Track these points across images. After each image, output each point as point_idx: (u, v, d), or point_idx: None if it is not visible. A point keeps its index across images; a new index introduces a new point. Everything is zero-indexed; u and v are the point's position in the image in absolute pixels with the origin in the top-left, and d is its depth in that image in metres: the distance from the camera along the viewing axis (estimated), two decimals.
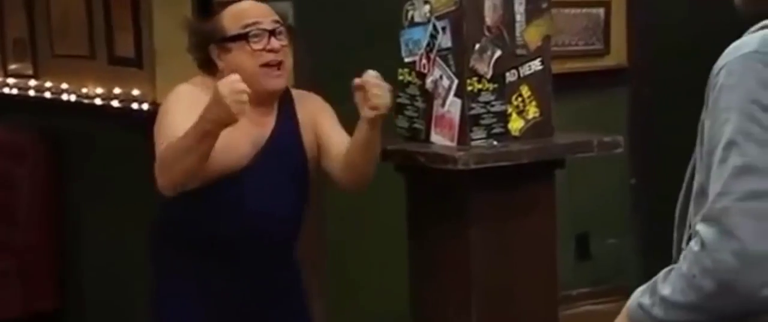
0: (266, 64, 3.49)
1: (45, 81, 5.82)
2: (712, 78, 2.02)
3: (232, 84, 3.21)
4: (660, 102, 6.11)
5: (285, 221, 3.63)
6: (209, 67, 3.58)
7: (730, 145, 1.93)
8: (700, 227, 1.94)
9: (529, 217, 3.70)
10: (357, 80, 3.40)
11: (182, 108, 3.44)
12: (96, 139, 5.56)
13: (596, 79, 6.10)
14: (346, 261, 5.41)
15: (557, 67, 5.86)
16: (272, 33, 3.51)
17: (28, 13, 5.90)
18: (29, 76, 5.95)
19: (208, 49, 3.56)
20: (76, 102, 5.54)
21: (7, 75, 6.15)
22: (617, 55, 6.19)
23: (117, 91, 5.27)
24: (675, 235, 2.15)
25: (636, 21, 6.21)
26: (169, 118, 3.46)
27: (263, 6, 3.62)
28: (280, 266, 3.70)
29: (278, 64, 3.51)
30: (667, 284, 1.99)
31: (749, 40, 2.02)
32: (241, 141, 3.49)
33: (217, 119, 3.24)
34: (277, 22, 3.55)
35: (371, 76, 3.41)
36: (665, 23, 6.16)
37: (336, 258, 5.39)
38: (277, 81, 3.53)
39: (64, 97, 5.62)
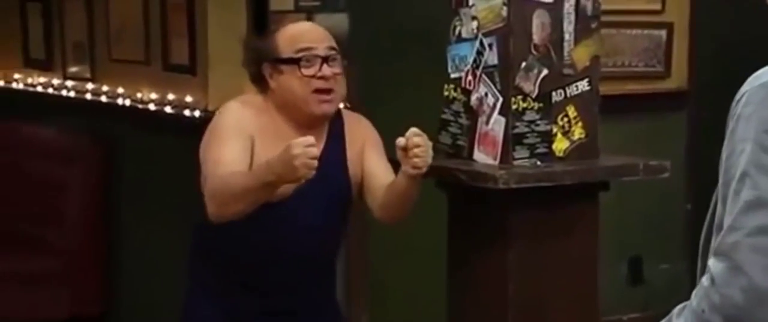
0: (316, 91, 3.46)
1: (102, 85, 5.85)
2: (732, 107, 1.96)
3: (304, 149, 3.15)
4: (719, 127, 5.99)
5: (325, 243, 3.63)
6: (261, 83, 3.56)
7: (744, 177, 1.87)
8: (711, 262, 1.88)
9: (571, 239, 3.63)
10: (400, 140, 3.35)
11: (232, 134, 3.43)
12: (148, 145, 5.58)
13: (655, 102, 6.02)
14: (387, 277, 5.38)
15: (616, 89, 5.87)
16: (325, 60, 3.47)
17: (89, 17, 5.93)
18: (87, 80, 5.98)
19: (261, 66, 3.53)
20: (130, 107, 5.56)
21: (65, 78, 6.19)
22: (678, 78, 6.10)
23: (171, 97, 5.29)
24: (699, 265, 2.09)
25: (698, 44, 6.12)
26: (218, 144, 3.43)
27: (320, 30, 3.58)
28: (317, 288, 3.68)
29: (328, 91, 3.48)
30: (681, 319, 1.94)
31: None
32: None
33: (282, 176, 3.22)
34: (332, 49, 3.50)
35: (414, 134, 3.34)
36: (727, 47, 6.07)
37: (377, 274, 5.37)
38: (326, 107, 3.49)
39: (119, 101, 5.64)
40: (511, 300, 3.58)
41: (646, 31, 6.00)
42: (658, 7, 5.99)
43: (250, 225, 3.44)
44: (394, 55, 5.36)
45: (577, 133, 3.64)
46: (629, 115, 5.76)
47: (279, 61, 3.48)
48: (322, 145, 3.52)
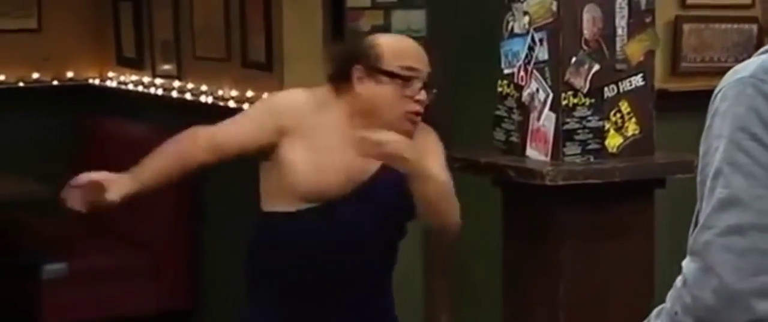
0: (409, 112, 3.40)
1: (187, 82, 5.92)
2: (711, 102, 1.89)
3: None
4: None
5: (377, 260, 3.51)
6: (340, 82, 3.46)
7: (718, 175, 1.80)
8: (685, 262, 1.82)
9: (625, 238, 3.57)
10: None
11: (258, 114, 3.47)
12: None
13: None
14: (466, 278, 5.35)
15: (705, 84, 5.72)
16: (425, 85, 3.42)
17: (175, 15, 6.01)
18: (174, 77, 6.06)
19: (352, 67, 3.44)
20: (212, 104, 5.61)
21: (155, 75, 6.28)
22: None
23: (249, 94, 5.32)
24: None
25: None
26: (244, 112, 3.50)
27: (424, 54, 3.49)
28: (369, 302, 3.55)
29: (419, 113, 3.42)
30: (658, 321, 1.88)
31: (748, 64, 1.89)
32: (344, 169, 3.39)
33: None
34: (430, 75, 3.44)
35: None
36: None
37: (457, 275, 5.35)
38: (412, 128, 3.42)
39: (202, 98, 5.70)
40: (561, 300, 3.53)
41: (736, 26, 5.85)
42: (748, 1, 5.83)
43: (298, 227, 3.40)
44: (470, 52, 5.31)
45: (631, 129, 3.57)
46: None
47: (380, 71, 3.40)
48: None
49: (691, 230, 2.00)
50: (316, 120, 3.43)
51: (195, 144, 3.49)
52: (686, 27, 5.61)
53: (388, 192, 3.42)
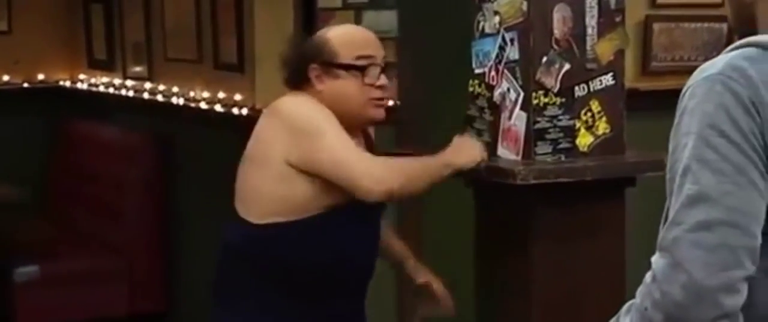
0: (374, 99, 3.43)
1: (158, 84, 5.91)
2: (680, 99, 1.91)
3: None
4: None
5: (376, 251, 3.56)
6: (299, 85, 3.44)
7: (686, 171, 1.82)
8: (654, 258, 1.84)
9: (597, 236, 3.57)
10: (421, 281, 3.64)
11: (335, 124, 3.34)
12: (201, 143, 5.62)
13: None
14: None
15: (675, 83, 5.75)
16: (383, 69, 3.45)
17: (146, 17, 6.00)
18: (145, 79, 6.05)
19: (307, 68, 3.43)
20: (184, 105, 5.61)
21: (126, 77, 6.27)
22: None
23: (221, 95, 5.32)
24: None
25: None
26: (337, 135, 3.32)
27: (376, 39, 3.52)
28: (361, 298, 3.59)
29: (383, 98, 3.46)
30: (627, 317, 1.90)
31: (716, 61, 1.91)
32: None
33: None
34: (385, 58, 3.48)
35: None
36: None
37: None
38: (382, 111, 3.47)
39: (174, 100, 5.70)
40: (535, 299, 3.53)
41: (706, 25, 5.88)
42: (718, 0, 5.87)
43: (305, 235, 3.35)
44: (443, 54, 5.32)
45: (602, 128, 3.58)
46: None
47: (337, 66, 3.41)
48: (361, 148, 3.48)
49: (661, 226, 2.02)
50: None
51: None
52: (656, 26, 5.64)
53: None
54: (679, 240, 1.80)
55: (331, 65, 3.41)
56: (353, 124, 3.44)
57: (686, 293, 1.78)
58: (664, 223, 1.96)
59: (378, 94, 3.43)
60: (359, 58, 3.41)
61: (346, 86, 3.41)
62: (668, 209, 1.90)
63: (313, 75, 3.42)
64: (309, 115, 3.33)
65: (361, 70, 3.40)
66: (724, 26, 5.91)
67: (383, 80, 3.44)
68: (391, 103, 3.55)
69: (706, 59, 6.58)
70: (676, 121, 1.91)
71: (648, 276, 1.86)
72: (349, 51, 3.42)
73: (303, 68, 3.43)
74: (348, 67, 3.40)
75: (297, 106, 3.38)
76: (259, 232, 3.37)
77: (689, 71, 6.45)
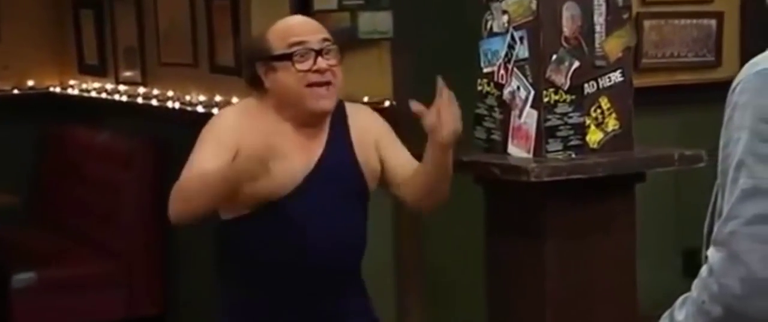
0: (312, 85, 3.34)
1: (152, 88, 5.92)
2: (729, 96, 1.94)
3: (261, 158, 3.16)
4: None
5: (346, 246, 3.44)
6: (257, 86, 3.42)
7: (740, 166, 1.85)
8: (710, 252, 1.86)
9: (607, 232, 3.61)
10: (417, 107, 3.32)
11: (212, 140, 3.35)
12: None
13: (706, 92, 5.94)
14: (440, 273, 5.38)
15: (666, 79, 5.82)
16: (319, 53, 3.35)
17: (139, 21, 6.00)
18: (138, 84, 6.05)
19: (255, 67, 3.40)
20: (179, 109, 5.61)
21: (118, 82, 6.27)
22: (729, 68, 6.02)
23: (218, 99, 5.33)
24: (703, 256, 2.07)
25: (749, 33, 6.04)
26: (197, 149, 3.37)
27: (312, 23, 3.48)
28: (343, 295, 3.49)
29: (325, 84, 3.36)
30: (682, 310, 1.92)
31: (765, 57, 1.94)
32: (286, 165, 3.31)
33: (238, 170, 3.20)
34: (326, 40, 3.38)
35: (446, 98, 3.27)
36: None
37: (430, 271, 5.37)
38: (324, 102, 3.36)
39: (169, 104, 5.70)
40: (548, 295, 3.57)
41: (695, 21, 5.93)
42: None
43: (259, 231, 3.36)
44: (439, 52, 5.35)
45: (611, 124, 3.62)
46: (680, 106, 5.70)
47: (272, 59, 3.36)
48: (324, 141, 3.43)
49: (707, 219, 2.05)
50: (254, 129, 3.36)
51: None
52: (647, 23, 5.69)
53: (341, 165, 3.43)
54: (735, 234, 1.83)
55: (269, 60, 3.37)
56: (307, 119, 3.38)
57: (744, 286, 1.80)
58: (711, 216, 2.00)
59: (316, 78, 3.33)
60: (290, 45, 3.35)
61: (284, 78, 3.35)
62: (720, 205, 1.93)
63: (262, 73, 3.39)
64: (206, 128, 3.41)
65: (294, 56, 3.34)
66: (714, 23, 5.97)
67: (321, 64, 3.34)
68: (336, 85, 3.39)
69: (696, 55, 6.60)
70: (726, 117, 1.93)
71: (704, 270, 1.88)
72: (281, 42, 3.37)
73: (252, 68, 3.42)
74: (280, 58, 3.35)
75: (215, 116, 3.50)
76: (222, 228, 3.47)
77: (680, 68, 6.48)
